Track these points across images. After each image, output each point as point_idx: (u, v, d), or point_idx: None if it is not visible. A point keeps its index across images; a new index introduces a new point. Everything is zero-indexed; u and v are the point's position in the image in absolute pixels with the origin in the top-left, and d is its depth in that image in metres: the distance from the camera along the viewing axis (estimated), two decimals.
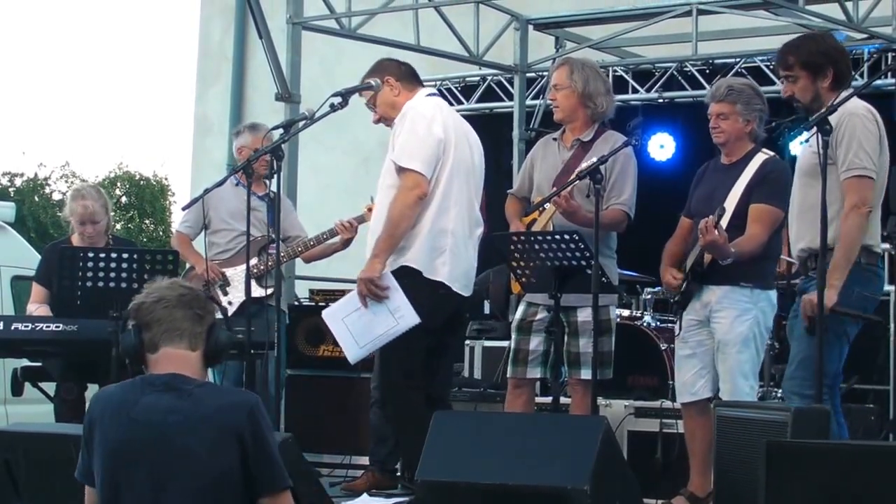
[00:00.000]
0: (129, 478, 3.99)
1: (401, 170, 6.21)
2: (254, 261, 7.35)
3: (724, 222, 6.33)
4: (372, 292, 6.11)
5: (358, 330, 6.21)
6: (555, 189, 6.59)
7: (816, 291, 5.66)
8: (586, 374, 6.57)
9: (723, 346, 6.41)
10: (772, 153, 6.54)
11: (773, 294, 6.56)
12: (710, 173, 6.67)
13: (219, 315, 4.37)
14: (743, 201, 6.38)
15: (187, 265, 8.11)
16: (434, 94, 6.60)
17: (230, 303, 7.88)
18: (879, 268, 6.01)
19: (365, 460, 7.70)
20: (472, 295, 6.56)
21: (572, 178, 6.47)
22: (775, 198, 6.36)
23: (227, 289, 7.94)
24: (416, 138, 6.22)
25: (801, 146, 6.24)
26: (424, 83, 6.79)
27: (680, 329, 6.60)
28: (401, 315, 6.07)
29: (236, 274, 7.88)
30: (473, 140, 6.54)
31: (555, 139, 6.98)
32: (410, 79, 6.51)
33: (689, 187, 6.74)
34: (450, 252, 6.23)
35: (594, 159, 6.45)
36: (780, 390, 7.03)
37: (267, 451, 4.05)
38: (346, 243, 7.87)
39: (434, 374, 6.39)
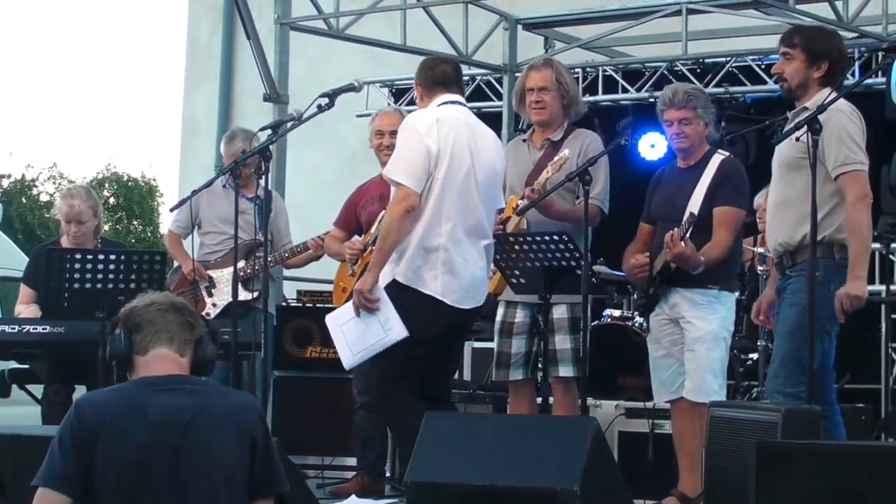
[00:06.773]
0: (151, 481, 3.90)
1: (392, 183, 6.19)
2: (240, 264, 7.29)
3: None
4: (363, 304, 6.10)
5: (353, 338, 6.24)
6: (535, 193, 6.55)
7: (847, 283, 5.72)
8: (564, 370, 6.63)
9: (692, 343, 6.47)
10: (727, 153, 6.65)
11: (734, 298, 6.66)
12: (668, 178, 6.76)
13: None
14: (706, 203, 6.47)
15: (175, 264, 8.09)
16: (449, 103, 6.32)
17: (214, 304, 7.86)
18: None
19: (353, 461, 7.67)
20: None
21: (544, 173, 6.52)
22: (738, 199, 6.53)
23: (213, 290, 7.91)
24: (405, 152, 6.16)
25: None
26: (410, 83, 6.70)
27: (649, 330, 6.70)
28: (389, 328, 6.09)
29: (222, 277, 7.86)
30: (484, 149, 6.30)
31: (524, 140, 6.99)
32: (433, 85, 6.36)
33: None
34: (442, 266, 6.14)
35: (566, 151, 6.56)
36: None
37: (273, 453, 4.07)
38: (319, 255, 7.84)
39: (436, 374, 6.36)
